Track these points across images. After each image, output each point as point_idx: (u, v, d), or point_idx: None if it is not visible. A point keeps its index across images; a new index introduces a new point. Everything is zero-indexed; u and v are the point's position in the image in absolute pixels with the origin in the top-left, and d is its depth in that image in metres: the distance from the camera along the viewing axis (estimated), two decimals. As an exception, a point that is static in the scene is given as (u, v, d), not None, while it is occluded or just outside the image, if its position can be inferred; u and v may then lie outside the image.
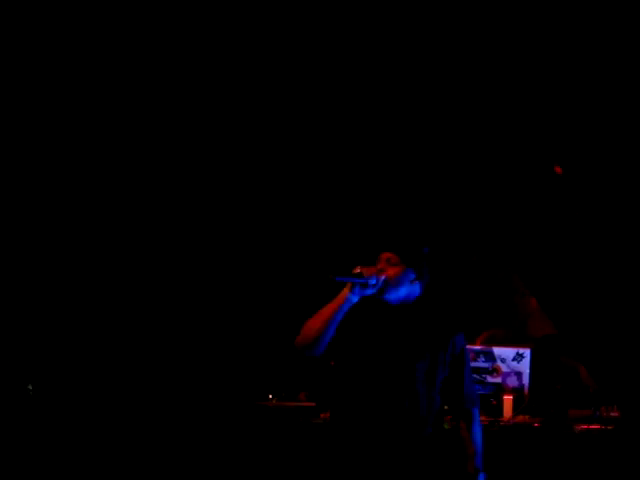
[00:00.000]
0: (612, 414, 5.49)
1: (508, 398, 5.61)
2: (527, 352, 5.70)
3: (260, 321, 6.53)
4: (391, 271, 4.21)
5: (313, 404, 5.65)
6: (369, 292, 4.15)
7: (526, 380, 5.66)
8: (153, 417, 6.12)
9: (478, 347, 5.80)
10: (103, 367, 6.20)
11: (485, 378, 5.67)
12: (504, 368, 5.69)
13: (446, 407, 4.32)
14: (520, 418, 5.58)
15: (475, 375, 5.66)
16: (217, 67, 6.39)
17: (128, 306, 6.32)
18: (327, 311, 4.16)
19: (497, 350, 5.73)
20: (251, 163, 6.53)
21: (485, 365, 5.70)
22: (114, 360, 6.22)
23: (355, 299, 4.15)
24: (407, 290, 4.25)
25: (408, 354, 4.20)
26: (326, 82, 6.38)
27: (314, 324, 4.16)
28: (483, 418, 5.57)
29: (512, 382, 5.67)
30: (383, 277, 4.18)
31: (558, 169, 6.04)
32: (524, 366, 5.68)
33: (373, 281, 4.14)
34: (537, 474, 5.35)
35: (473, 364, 5.67)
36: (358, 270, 4.14)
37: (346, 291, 4.14)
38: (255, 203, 6.60)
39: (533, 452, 5.38)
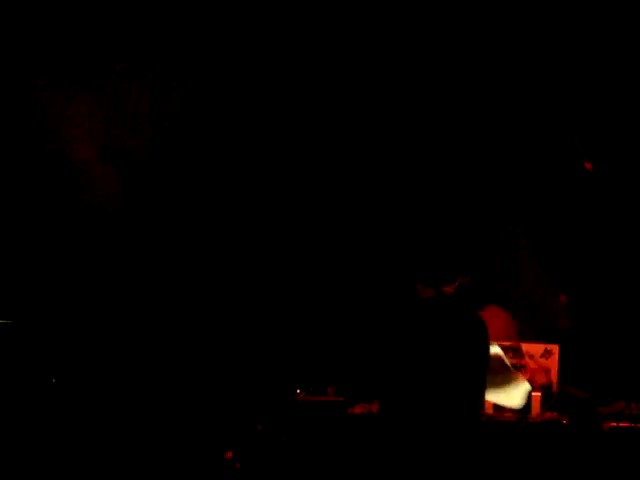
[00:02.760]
0: (642, 412, 5.47)
1: (536, 395, 5.59)
2: (555, 348, 5.67)
3: (287, 317, 6.53)
4: None
5: (342, 399, 5.64)
6: None
7: (554, 377, 5.63)
8: (176, 412, 6.14)
9: (506, 343, 5.77)
10: (129, 361, 6.21)
11: (513, 374, 5.65)
12: (532, 364, 5.66)
13: None
14: (548, 415, 5.56)
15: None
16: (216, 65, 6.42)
17: (154, 301, 6.33)
18: None
19: (525, 346, 5.70)
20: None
21: (513, 361, 5.68)
22: (141, 352, 6.23)
23: None
24: None
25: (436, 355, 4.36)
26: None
27: None
28: (511, 415, 5.56)
29: (540, 379, 5.64)
30: None
31: (588, 165, 6.01)
32: (552, 362, 5.65)
33: None
34: (565, 471, 5.34)
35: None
36: None
37: None
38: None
39: (561, 449, 5.37)
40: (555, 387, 5.62)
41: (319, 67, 6.48)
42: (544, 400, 5.59)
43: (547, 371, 5.64)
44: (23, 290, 6.08)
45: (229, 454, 5.32)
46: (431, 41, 6.41)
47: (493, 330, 6.20)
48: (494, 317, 6.32)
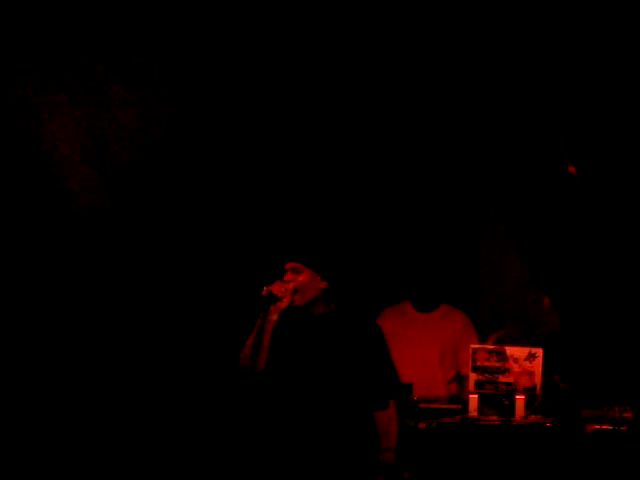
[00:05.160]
0: (625, 414, 5.48)
1: (520, 398, 5.60)
2: (539, 352, 5.69)
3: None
4: (299, 278, 4.43)
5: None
6: (283, 305, 4.42)
7: (538, 380, 5.65)
8: (165, 416, 6.13)
9: (490, 347, 5.78)
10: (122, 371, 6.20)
11: (497, 378, 5.66)
12: (516, 368, 5.67)
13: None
14: (532, 418, 5.57)
15: (487, 375, 5.66)
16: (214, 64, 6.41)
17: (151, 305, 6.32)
18: (252, 338, 4.45)
19: (509, 350, 5.71)
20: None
21: (497, 365, 5.69)
22: (134, 356, 6.22)
23: (275, 317, 4.42)
24: (315, 293, 4.46)
25: (323, 357, 4.45)
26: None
27: (247, 348, 4.47)
28: (495, 418, 5.58)
29: (524, 382, 5.66)
30: (291, 287, 4.41)
31: (572, 169, 6.03)
32: (536, 366, 5.66)
33: (282, 294, 4.41)
34: (548, 474, 5.35)
35: (485, 364, 5.67)
36: (265, 290, 4.40)
37: (263, 314, 4.44)
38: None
39: (545, 452, 5.38)
40: (539, 390, 5.63)
41: (314, 67, 6.47)
42: (528, 403, 5.61)
43: (531, 374, 5.65)
44: (9, 296, 6.06)
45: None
46: (419, 46, 6.42)
47: (450, 329, 6.27)
48: (449, 316, 6.35)
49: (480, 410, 5.61)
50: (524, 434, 5.45)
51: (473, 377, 5.66)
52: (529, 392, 5.63)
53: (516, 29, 6.22)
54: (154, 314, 6.27)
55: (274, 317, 4.42)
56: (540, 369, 5.64)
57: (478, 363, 5.67)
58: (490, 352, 5.71)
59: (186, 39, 6.31)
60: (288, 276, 4.45)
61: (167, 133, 6.39)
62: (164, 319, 6.29)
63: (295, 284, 4.42)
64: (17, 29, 6.08)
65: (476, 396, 5.63)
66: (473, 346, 5.73)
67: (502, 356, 5.68)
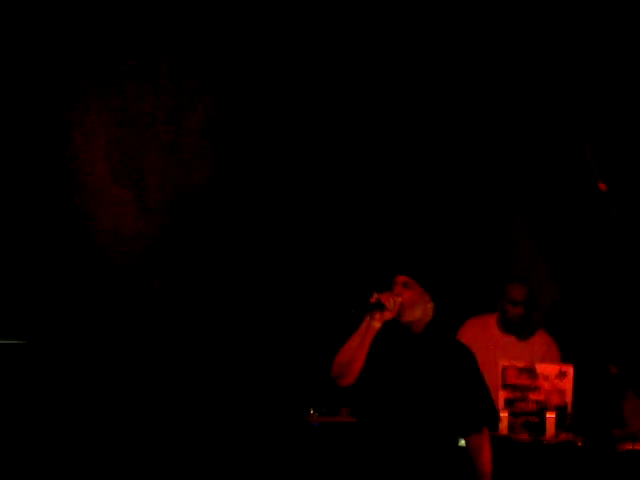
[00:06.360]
0: (658, 434, 5.44)
1: (551, 416, 5.56)
2: (570, 370, 5.65)
3: (301, 335, 6.53)
4: (407, 294, 4.43)
5: (355, 419, 5.63)
6: (389, 317, 4.40)
7: (569, 398, 5.61)
8: (194, 428, 6.14)
9: (520, 364, 5.74)
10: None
11: (527, 396, 5.63)
12: (547, 386, 5.64)
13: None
14: (563, 436, 5.52)
15: (517, 392, 5.62)
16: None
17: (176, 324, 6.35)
18: (353, 341, 4.41)
19: (540, 367, 5.68)
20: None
21: (527, 382, 5.66)
22: (154, 373, 6.24)
23: (378, 325, 4.39)
24: (422, 311, 4.46)
25: (422, 376, 4.42)
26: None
27: (343, 355, 4.41)
28: (525, 436, 5.53)
29: (555, 400, 5.62)
30: (400, 300, 4.40)
31: (602, 185, 5.99)
32: (567, 384, 5.62)
33: (391, 306, 4.38)
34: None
35: (515, 381, 5.63)
36: (375, 297, 4.38)
37: (367, 319, 4.38)
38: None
39: (576, 471, 5.33)
40: (570, 408, 5.59)
41: (324, 69, 6.50)
42: (559, 421, 5.56)
43: (561, 392, 5.62)
44: (35, 311, 6.10)
45: None
46: (452, 52, 6.45)
47: (538, 354, 6.17)
48: (541, 342, 6.23)
49: (510, 428, 5.57)
50: (555, 453, 5.40)
51: (503, 395, 5.63)
52: (560, 410, 5.59)
53: (546, 46, 6.22)
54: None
55: (377, 325, 4.39)
56: (571, 387, 5.60)
57: (508, 381, 5.64)
58: (520, 370, 5.67)
59: (219, 55, 6.36)
60: (398, 289, 4.45)
61: (200, 151, 6.44)
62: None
63: (403, 298, 4.42)
64: (48, 50, 6.15)
65: (506, 414, 5.60)
66: (503, 363, 5.69)
67: (532, 374, 5.65)
